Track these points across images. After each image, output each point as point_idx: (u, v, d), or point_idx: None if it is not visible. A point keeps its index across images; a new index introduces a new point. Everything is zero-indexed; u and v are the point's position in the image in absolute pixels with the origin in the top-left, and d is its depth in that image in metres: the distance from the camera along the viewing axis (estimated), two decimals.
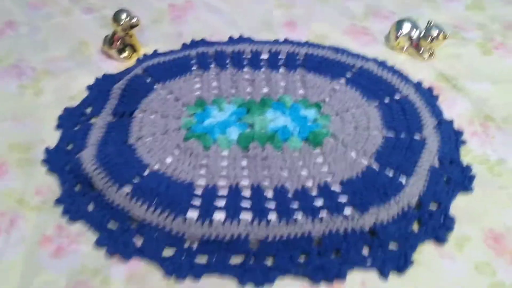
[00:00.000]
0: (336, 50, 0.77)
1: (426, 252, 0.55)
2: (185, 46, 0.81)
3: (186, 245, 0.54)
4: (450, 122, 0.69)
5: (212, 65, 0.74)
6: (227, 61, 0.75)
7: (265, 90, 0.71)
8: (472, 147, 0.67)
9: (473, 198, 0.60)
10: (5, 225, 0.56)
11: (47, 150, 0.64)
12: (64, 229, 0.56)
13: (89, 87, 0.74)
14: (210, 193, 0.56)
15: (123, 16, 0.76)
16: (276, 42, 0.81)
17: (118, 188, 0.57)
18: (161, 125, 0.65)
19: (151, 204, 0.55)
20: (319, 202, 0.56)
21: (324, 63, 0.74)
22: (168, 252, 0.54)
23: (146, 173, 0.58)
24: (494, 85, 0.75)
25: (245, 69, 0.74)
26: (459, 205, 0.59)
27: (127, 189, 0.56)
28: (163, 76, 0.72)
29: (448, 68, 0.78)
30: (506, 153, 0.66)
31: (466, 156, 0.65)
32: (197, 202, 0.55)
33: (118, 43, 0.79)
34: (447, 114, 0.70)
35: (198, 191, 0.57)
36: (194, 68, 0.74)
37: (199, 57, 0.75)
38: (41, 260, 0.53)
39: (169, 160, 0.61)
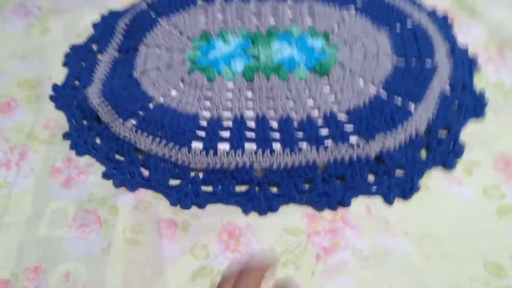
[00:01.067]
0: None
1: (433, 178, 0.54)
2: None
3: (191, 175, 0.54)
4: (464, 49, 0.67)
5: None
6: None
7: (272, 21, 0.69)
8: (487, 73, 0.64)
9: (486, 124, 0.59)
10: (15, 158, 0.57)
11: (55, 86, 0.65)
12: (73, 161, 0.57)
13: (95, 24, 0.74)
14: (215, 125, 0.56)
15: None
16: None
17: (124, 121, 0.57)
18: (165, 59, 0.64)
19: (156, 136, 0.55)
20: (324, 132, 0.55)
21: None
22: (174, 182, 0.54)
23: (151, 105, 0.58)
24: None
25: (251, 1, 0.72)
26: (471, 131, 0.58)
27: (132, 121, 0.57)
28: (167, 10, 0.71)
29: None
30: None
31: (480, 82, 0.63)
32: (202, 133, 0.55)
33: None
34: (462, 40, 0.68)
35: (203, 123, 0.57)
36: (199, 1, 0.72)
37: None
38: (51, 189, 0.54)
39: (173, 93, 0.61)
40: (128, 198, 0.54)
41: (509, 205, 0.52)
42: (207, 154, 0.53)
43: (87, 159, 0.57)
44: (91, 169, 0.56)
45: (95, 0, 0.78)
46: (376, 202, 0.53)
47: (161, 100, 0.59)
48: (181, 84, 0.62)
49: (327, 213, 0.52)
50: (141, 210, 0.52)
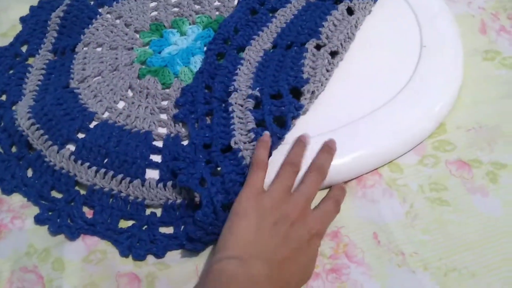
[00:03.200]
0: None
1: (452, 188, 0.46)
2: None
3: (146, 214, 0.46)
4: None
5: None
6: None
7: (236, 1, 0.60)
8: (501, 48, 0.55)
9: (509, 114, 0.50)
10: None
11: None
12: (5, 202, 0.49)
13: (23, 19, 0.64)
14: (173, 145, 0.48)
15: None
16: None
17: (60, 148, 0.48)
18: (109, 60, 0.55)
19: (100, 166, 0.47)
20: None
21: None
22: (125, 224, 0.46)
23: (92, 124, 0.50)
24: None
25: None
26: (492, 125, 0.49)
27: (70, 148, 0.48)
28: None
29: None
30: None
31: (494, 59, 0.54)
32: (157, 158, 0.48)
33: None
34: (466, 10, 0.58)
35: (158, 144, 0.49)
36: None
37: None
38: None
39: (120, 105, 0.51)
40: (76, 247, 0.45)
41: None
42: (164, 186, 0.45)
43: (22, 198, 0.49)
44: (28, 211, 0.48)
45: None
46: (385, 226, 0.44)
47: (105, 115, 0.50)
48: (129, 92, 0.52)
49: (326, 247, 0.43)
50: (93, 263, 0.44)
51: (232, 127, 0.46)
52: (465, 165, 0.46)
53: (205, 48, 0.55)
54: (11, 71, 0.57)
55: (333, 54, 0.51)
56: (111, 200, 0.46)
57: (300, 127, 0.47)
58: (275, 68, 0.51)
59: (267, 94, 0.48)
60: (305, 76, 0.49)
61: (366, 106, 0.48)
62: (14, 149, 0.51)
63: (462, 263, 0.41)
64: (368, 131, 0.46)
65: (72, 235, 0.45)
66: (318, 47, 0.51)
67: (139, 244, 0.44)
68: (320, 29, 0.52)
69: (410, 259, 0.42)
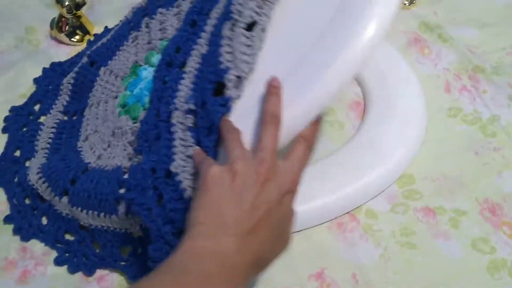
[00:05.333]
0: None
1: (419, 233, 0.50)
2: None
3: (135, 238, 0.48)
4: None
5: (144, 18, 0.62)
6: (158, 4, 0.62)
7: None
8: (462, 105, 0.60)
9: (467, 165, 0.55)
10: None
11: None
12: (28, 250, 0.51)
13: (36, 80, 0.66)
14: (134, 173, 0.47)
15: None
16: None
17: (60, 197, 0.51)
18: (102, 114, 0.58)
19: (87, 208, 0.49)
20: None
21: None
22: (124, 251, 0.50)
23: (84, 173, 0.52)
24: (482, 29, 0.68)
25: (175, 3, 0.60)
26: (452, 175, 0.54)
27: (66, 197, 0.51)
28: (105, 57, 0.62)
29: (431, 14, 0.70)
30: (498, 108, 0.59)
31: (456, 116, 0.59)
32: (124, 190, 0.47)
33: (67, 26, 0.70)
34: (433, 70, 0.63)
35: (126, 176, 0.48)
36: (131, 32, 0.63)
37: (134, 16, 0.63)
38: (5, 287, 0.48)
39: (107, 150, 0.54)
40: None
41: (499, 260, 0.47)
42: (131, 215, 0.46)
43: (43, 246, 0.51)
44: (49, 258, 0.50)
45: (39, 51, 0.71)
46: (362, 267, 0.48)
47: (95, 164, 0.53)
48: (112, 137, 0.55)
49: (311, 286, 0.47)
50: None
51: (173, 150, 0.43)
52: (430, 212, 0.51)
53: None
54: (24, 129, 0.60)
55: (250, 26, 0.45)
56: (107, 234, 0.49)
57: None
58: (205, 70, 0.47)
59: (199, 104, 0.44)
60: (223, 66, 0.44)
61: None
62: (27, 201, 0.54)
63: None
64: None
65: (89, 271, 0.48)
66: (233, 27, 0.46)
67: (140, 268, 0.47)
68: (230, 8, 0.47)
69: None
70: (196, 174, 0.41)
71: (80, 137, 0.57)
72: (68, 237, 0.51)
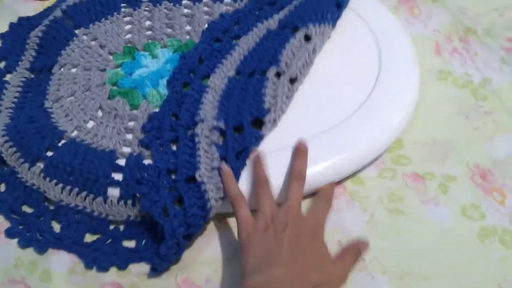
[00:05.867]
0: None
1: (407, 199, 0.48)
2: None
3: (110, 229, 0.47)
4: None
5: (144, 1, 0.63)
6: None
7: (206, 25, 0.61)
8: (453, 68, 0.58)
9: (458, 130, 0.53)
10: None
11: None
12: None
13: (2, 35, 0.63)
14: (135, 164, 0.47)
15: None
16: None
17: (30, 165, 0.48)
18: (82, 81, 0.55)
19: (66, 183, 0.47)
20: None
21: None
22: (91, 238, 0.47)
23: (61, 143, 0.49)
24: None
25: (184, 2, 0.63)
26: (441, 139, 0.52)
27: (40, 165, 0.48)
28: (85, 18, 0.61)
29: None
30: (490, 72, 0.57)
31: (447, 79, 0.57)
32: (119, 176, 0.47)
33: None
34: (422, 31, 0.61)
35: (121, 162, 0.48)
36: (123, 5, 0.63)
37: None
38: None
39: (90, 124, 0.52)
40: (62, 259, 0.46)
41: (490, 227, 0.46)
42: (125, 204, 0.46)
43: None
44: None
45: (4, 6, 0.67)
46: (348, 234, 0.46)
47: (74, 134, 0.51)
48: (99, 113, 0.53)
49: None
50: (79, 274, 0.45)
51: (197, 159, 0.45)
52: (419, 178, 0.49)
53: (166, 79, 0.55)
54: None
55: (293, 80, 0.52)
56: (77, 215, 0.47)
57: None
58: (239, 97, 0.51)
59: (231, 126, 0.48)
60: (266, 106, 0.49)
61: (325, 122, 0.49)
62: None
63: (416, 268, 0.43)
64: (329, 144, 0.48)
65: (41, 249, 0.46)
66: (278, 74, 0.52)
67: (103, 257, 0.45)
68: (279, 57, 0.52)
69: (370, 265, 0.44)
70: (221, 189, 0.44)
71: (48, 96, 0.54)
72: (25, 209, 0.48)
